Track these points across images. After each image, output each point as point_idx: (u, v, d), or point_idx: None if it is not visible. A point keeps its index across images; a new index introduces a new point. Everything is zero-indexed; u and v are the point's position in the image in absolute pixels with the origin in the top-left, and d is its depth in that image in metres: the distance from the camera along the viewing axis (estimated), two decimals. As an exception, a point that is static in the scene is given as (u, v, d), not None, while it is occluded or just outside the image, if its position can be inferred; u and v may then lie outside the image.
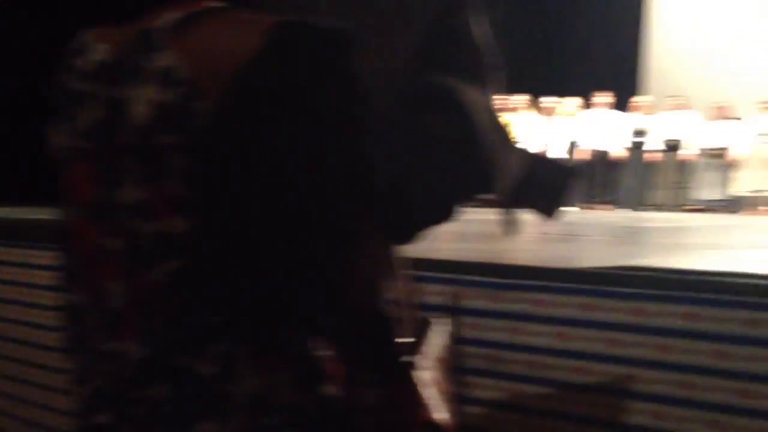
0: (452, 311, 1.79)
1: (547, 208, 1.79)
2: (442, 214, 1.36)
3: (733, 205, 9.33)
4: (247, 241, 0.97)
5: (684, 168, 9.67)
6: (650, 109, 10.01)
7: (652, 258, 2.89)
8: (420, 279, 1.86)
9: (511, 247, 2.46)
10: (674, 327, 1.60)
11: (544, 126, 10.02)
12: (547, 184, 1.75)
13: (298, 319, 1.01)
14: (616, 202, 9.94)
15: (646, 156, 9.85)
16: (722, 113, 9.45)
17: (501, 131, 1.46)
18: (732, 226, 6.72)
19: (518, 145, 1.50)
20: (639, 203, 9.80)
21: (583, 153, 10.03)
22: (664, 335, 1.61)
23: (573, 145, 10.12)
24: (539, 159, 1.91)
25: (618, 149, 9.94)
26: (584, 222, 6.36)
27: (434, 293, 1.81)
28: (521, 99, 10.10)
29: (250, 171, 0.96)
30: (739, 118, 9.44)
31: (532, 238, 3.80)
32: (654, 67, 13.08)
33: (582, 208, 9.91)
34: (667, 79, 12.44)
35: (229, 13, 1.01)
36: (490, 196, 1.48)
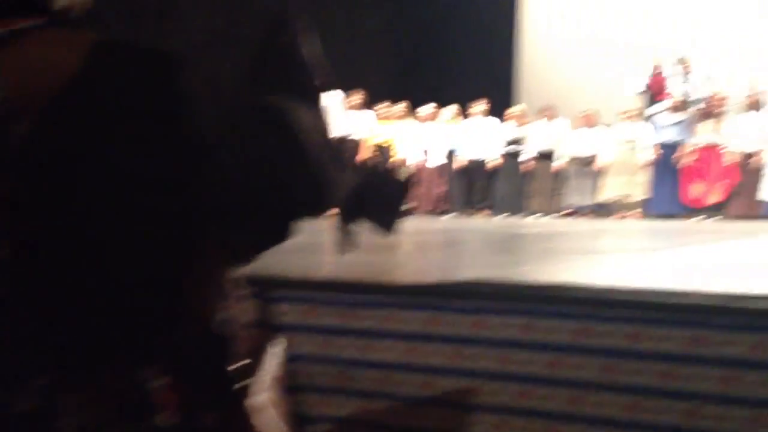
0: (286, 329, 1.77)
1: (385, 222, 1.80)
2: (278, 233, 1.34)
3: (602, 210, 9.77)
4: (69, 268, 0.92)
5: (557, 175, 10.03)
6: (523, 119, 10.34)
7: (526, 266, 2.96)
8: (261, 297, 1.83)
9: (368, 259, 2.46)
10: (513, 338, 1.64)
11: (423, 134, 10.18)
12: (383, 198, 1.76)
13: (127, 348, 0.97)
14: (493, 209, 10.22)
15: (521, 164, 10.16)
16: (589, 121, 9.87)
17: (332, 149, 1.46)
18: (601, 231, 7.01)
19: (351, 161, 1.50)
20: (515, 210, 10.10)
21: (461, 161, 10.25)
22: (504, 347, 1.65)
23: (452, 153, 10.34)
24: (374, 173, 1.91)
25: (494, 157, 10.22)
26: (463, 229, 6.50)
27: (275, 312, 1.79)
28: (399, 107, 10.25)
29: (68, 194, 0.91)
30: (607, 125, 9.90)
31: (408, 248, 3.84)
32: (526, 77, 13.59)
33: (461, 214, 10.15)
34: (539, 88, 12.94)
35: (47, 32, 0.97)
36: (327, 213, 1.46)
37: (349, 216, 1.63)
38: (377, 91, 10.05)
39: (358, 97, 9.68)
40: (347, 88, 9.57)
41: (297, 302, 1.86)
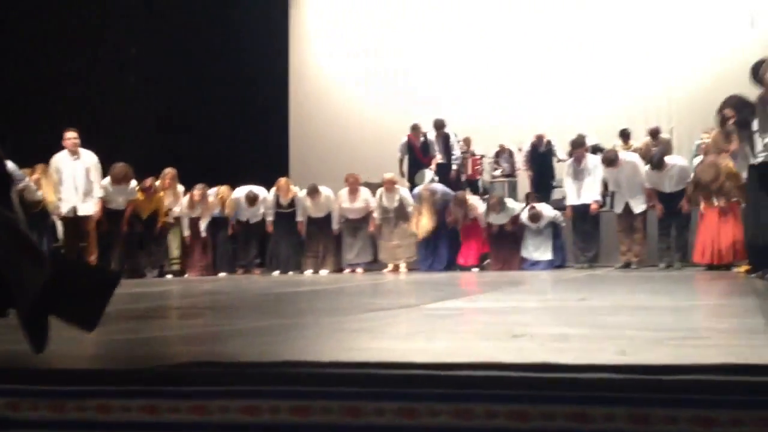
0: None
1: (82, 318, 1.65)
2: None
3: (371, 265, 10.06)
4: None
5: (331, 235, 10.18)
6: (289, 189, 10.29)
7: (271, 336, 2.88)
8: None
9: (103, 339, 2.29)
10: (235, 422, 1.56)
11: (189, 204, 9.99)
12: (82, 293, 1.63)
13: None
14: (269, 267, 10.19)
15: (296, 223, 10.21)
16: (357, 184, 10.13)
17: (19, 244, 1.34)
18: (375, 285, 7.13)
19: (44, 257, 1.38)
20: (291, 266, 10.12)
21: (232, 226, 10.18)
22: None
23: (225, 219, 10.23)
24: (73, 268, 1.78)
25: (268, 222, 10.19)
26: (237, 289, 6.37)
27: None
28: (171, 173, 10.01)
29: None
30: (373, 188, 10.23)
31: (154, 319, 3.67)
32: (296, 149, 13.96)
33: (237, 273, 10.00)
34: (308, 160, 13.27)
35: None
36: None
37: (36, 312, 1.49)
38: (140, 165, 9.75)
39: (122, 170, 9.17)
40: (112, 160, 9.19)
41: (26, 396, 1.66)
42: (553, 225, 9.47)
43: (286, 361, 1.69)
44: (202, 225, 9.94)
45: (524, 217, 9.37)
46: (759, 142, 5.91)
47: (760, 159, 5.87)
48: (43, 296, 1.33)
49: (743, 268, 7.10)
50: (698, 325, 2.81)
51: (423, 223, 9.49)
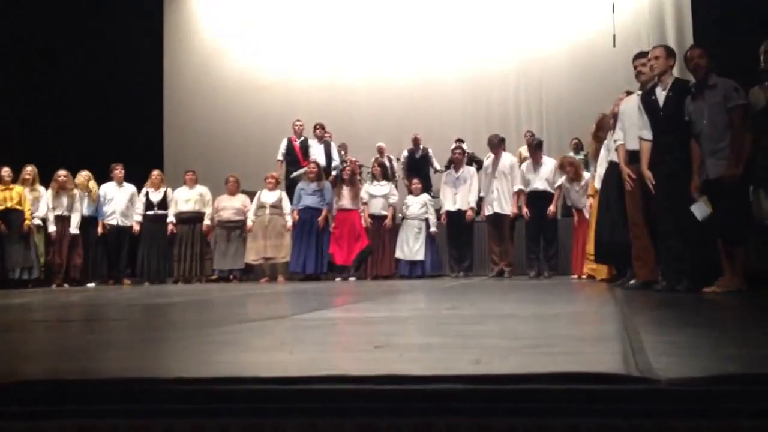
0: None
1: None
2: None
3: (247, 274, 9.92)
4: None
5: (203, 240, 9.99)
6: (164, 183, 10.17)
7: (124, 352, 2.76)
8: None
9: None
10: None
11: (55, 199, 9.53)
12: None
13: None
14: (139, 276, 9.87)
15: (166, 228, 9.95)
16: (231, 188, 10.01)
17: None
18: (248, 295, 7.02)
19: None
20: (160, 276, 9.85)
21: (101, 226, 9.78)
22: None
23: (95, 219, 9.82)
24: None
25: (135, 222, 9.90)
26: (104, 300, 6.12)
27: None
28: (32, 171, 9.56)
29: None
30: (251, 192, 10.11)
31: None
32: (171, 143, 13.65)
33: (102, 283, 9.62)
34: (185, 154, 13.03)
35: None
36: None
37: None
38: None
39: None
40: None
41: None
42: (427, 225, 9.73)
43: (125, 378, 1.61)
44: (73, 224, 9.50)
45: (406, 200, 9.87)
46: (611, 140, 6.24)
47: (614, 158, 6.16)
48: None
49: (601, 274, 7.41)
50: (555, 333, 2.90)
51: None
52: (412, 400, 1.44)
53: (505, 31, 13.03)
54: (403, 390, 1.47)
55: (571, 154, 10.22)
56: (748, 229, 5.23)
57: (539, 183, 9.03)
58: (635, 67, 5.94)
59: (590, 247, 7.67)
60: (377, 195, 9.86)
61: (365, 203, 9.84)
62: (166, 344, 2.71)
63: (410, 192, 10.12)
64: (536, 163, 9.11)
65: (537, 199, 9.00)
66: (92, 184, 9.81)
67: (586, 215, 8.37)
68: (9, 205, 9.06)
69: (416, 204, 9.86)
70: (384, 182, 9.98)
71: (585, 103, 11.14)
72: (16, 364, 2.32)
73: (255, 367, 2.01)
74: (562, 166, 8.77)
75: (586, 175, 8.43)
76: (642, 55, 6.00)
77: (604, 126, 7.04)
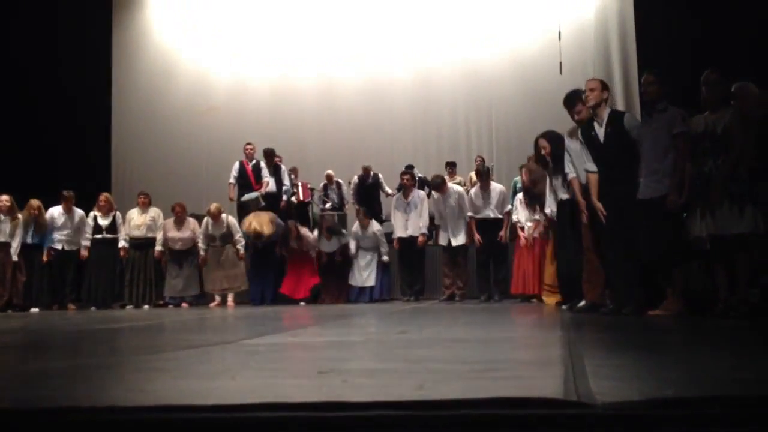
0: None
1: None
2: None
3: (198, 299, 9.78)
4: None
5: (156, 264, 9.83)
6: (111, 207, 10.00)
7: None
8: None
9: None
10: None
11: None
12: None
13: None
14: (85, 300, 9.66)
15: (116, 252, 9.79)
16: (183, 214, 9.86)
17: None
18: (198, 320, 6.90)
19: None
20: (108, 301, 9.66)
21: (46, 253, 9.56)
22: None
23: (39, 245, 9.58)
24: None
25: (83, 247, 9.71)
26: (47, 326, 5.96)
27: None
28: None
29: None
30: (201, 216, 9.99)
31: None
32: (119, 165, 13.47)
33: (49, 308, 9.38)
34: (133, 176, 12.86)
35: None
36: None
37: None
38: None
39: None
40: None
41: None
42: (378, 254, 9.71)
43: (55, 407, 1.56)
44: (13, 247, 9.26)
45: (355, 228, 9.65)
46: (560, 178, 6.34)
47: (566, 196, 6.28)
48: None
49: (553, 299, 7.51)
50: (501, 357, 2.91)
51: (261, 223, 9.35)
52: (355, 427, 1.42)
53: (454, 55, 13.19)
54: (344, 417, 1.45)
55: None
56: (679, 251, 5.36)
57: (489, 211, 9.11)
58: (571, 116, 6.13)
59: (547, 278, 7.75)
60: (327, 251, 9.77)
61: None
62: (102, 371, 2.64)
63: (360, 223, 9.95)
64: (485, 190, 9.19)
65: (487, 226, 9.08)
66: (42, 215, 9.56)
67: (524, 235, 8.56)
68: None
69: (367, 237, 9.77)
70: (333, 240, 9.78)
71: (534, 127, 11.25)
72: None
73: (193, 395, 1.97)
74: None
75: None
76: (575, 102, 6.15)
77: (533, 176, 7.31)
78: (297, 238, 9.50)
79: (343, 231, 9.98)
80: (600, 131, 5.67)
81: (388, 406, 1.43)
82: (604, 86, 5.83)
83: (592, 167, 5.75)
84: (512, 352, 3.27)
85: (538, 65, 12.53)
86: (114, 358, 3.32)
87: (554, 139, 6.52)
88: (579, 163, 5.95)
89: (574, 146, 6.03)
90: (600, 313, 5.61)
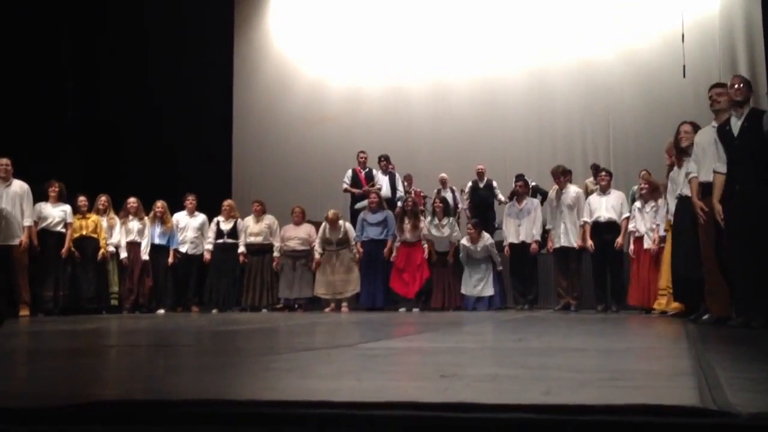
0: None
1: None
2: None
3: (312, 303, 9.99)
4: None
5: (272, 269, 10.12)
6: (235, 213, 10.37)
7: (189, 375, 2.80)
8: None
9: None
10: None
11: (125, 225, 9.82)
12: None
13: None
14: (207, 303, 10.03)
15: (236, 257, 10.13)
16: (300, 218, 10.13)
17: None
18: (314, 324, 7.05)
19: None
20: (228, 304, 9.99)
21: (172, 254, 10.00)
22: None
23: (165, 247, 10.05)
24: None
25: (206, 251, 10.11)
26: (173, 326, 6.24)
27: None
28: (106, 200, 9.87)
29: None
30: (316, 222, 10.22)
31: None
32: (242, 174, 13.92)
33: (171, 311, 9.81)
34: (252, 184, 13.27)
35: None
36: None
37: None
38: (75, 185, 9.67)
39: (55, 187, 9.15)
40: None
41: None
42: (492, 264, 9.61)
43: (201, 399, 1.64)
44: (143, 249, 9.75)
45: (464, 241, 9.53)
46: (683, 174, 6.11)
47: (687, 192, 6.03)
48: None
49: (673, 305, 7.21)
50: (626, 367, 2.83)
51: None
52: (482, 429, 1.42)
53: (569, 56, 12.90)
54: (472, 418, 1.45)
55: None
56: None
57: (605, 212, 8.85)
58: (710, 97, 5.83)
59: (663, 282, 7.47)
60: (438, 236, 9.78)
61: (429, 241, 9.79)
62: (232, 369, 2.74)
63: (470, 237, 9.86)
64: (604, 191, 8.97)
65: (603, 231, 8.83)
66: (167, 214, 10.07)
67: (646, 245, 8.22)
68: (84, 233, 9.34)
69: (479, 250, 9.65)
70: (445, 220, 9.82)
71: (654, 134, 10.91)
72: (90, 385, 2.38)
73: (322, 393, 2.02)
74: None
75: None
76: (719, 85, 5.91)
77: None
78: (413, 225, 9.55)
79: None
80: (736, 126, 5.41)
81: (521, 409, 1.42)
82: (749, 84, 5.59)
83: (722, 167, 5.45)
84: (637, 363, 3.17)
85: (659, 68, 12.10)
86: (238, 358, 3.44)
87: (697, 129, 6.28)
88: (705, 161, 5.69)
89: (703, 141, 5.78)
90: (727, 327, 5.35)
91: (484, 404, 1.50)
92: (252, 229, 10.15)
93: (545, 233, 9.68)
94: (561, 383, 2.19)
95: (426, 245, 9.74)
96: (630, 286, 8.60)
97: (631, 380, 2.38)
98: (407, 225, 9.74)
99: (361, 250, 9.76)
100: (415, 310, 9.51)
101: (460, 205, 11.45)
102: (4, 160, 8.56)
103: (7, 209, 8.44)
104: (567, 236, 9.11)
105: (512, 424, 1.42)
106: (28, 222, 8.61)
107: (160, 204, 10.00)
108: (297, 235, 10.02)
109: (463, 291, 9.65)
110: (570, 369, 2.69)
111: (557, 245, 9.21)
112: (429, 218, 10.01)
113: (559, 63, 12.90)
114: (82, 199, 9.47)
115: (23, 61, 11.03)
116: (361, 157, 10.98)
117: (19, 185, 8.63)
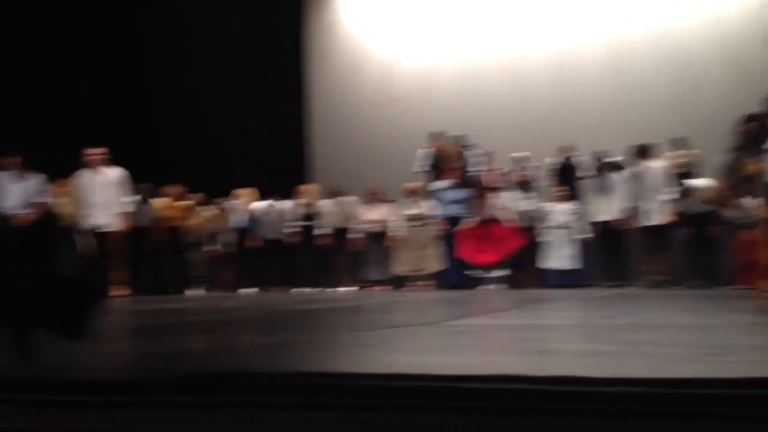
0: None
1: (70, 328, 1.66)
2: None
3: (397, 282, 9.99)
4: None
5: (351, 249, 10.18)
6: (315, 196, 10.45)
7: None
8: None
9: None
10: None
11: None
12: (69, 305, 1.63)
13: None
14: (293, 283, 10.18)
15: (317, 240, 10.22)
16: (375, 197, 10.15)
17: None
18: (395, 303, 7.04)
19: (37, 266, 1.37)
20: (314, 284, 10.11)
21: (256, 240, 10.20)
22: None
23: (246, 231, 10.26)
24: (61, 280, 1.77)
25: (290, 234, 10.25)
26: (258, 305, 6.33)
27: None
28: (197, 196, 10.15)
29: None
30: (392, 201, 10.22)
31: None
32: (317, 156, 13.99)
33: (260, 290, 10.00)
34: (329, 167, 13.31)
35: None
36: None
37: (22, 324, 1.47)
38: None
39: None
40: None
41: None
42: (577, 237, 9.48)
43: (297, 371, 1.62)
44: (228, 238, 10.03)
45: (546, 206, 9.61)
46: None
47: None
48: (29, 308, 1.33)
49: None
50: (730, 342, 2.70)
51: None
52: (590, 402, 1.36)
53: (651, 34, 12.43)
54: (577, 392, 1.39)
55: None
56: None
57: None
58: None
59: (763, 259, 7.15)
60: (519, 207, 9.68)
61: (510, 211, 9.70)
62: (321, 345, 2.74)
63: (557, 200, 9.76)
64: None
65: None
66: (249, 200, 10.32)
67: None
68: (175, 222, 9.65)
69: (563, 212, 9.55)
70: (526, 193, 9.72)
71: (736, 103, 10.37)
72: (186, 360, 2.41)
73: (411, 367, 1.98)
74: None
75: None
76: None
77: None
78: (491, 201, 9.51)
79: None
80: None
81: (632, 383, 1.35)
82: None
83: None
84: (739, 338, 3.02)
85: (741, 33, 11.53)
86: (323, 334, 3.45)
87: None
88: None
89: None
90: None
91: (594, 378, 1.43)
92: (329, 210, 10.22)
93: (632, 210, 9.41)
94: (666, 359, 2.10)
95: (505, 221, 9.62)
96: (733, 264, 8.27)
97: (739, 354, 2.26)
98: (487, 199, 9.64)
99: (443, 227, 9.69)
100: (494, 286, 9.39)
101: (540, 182, 11.23)
102: (97, 150, 8.85)
103: (100, 196, 8.72)
104: (654, 212, 8.84)
105: (626, 398, 1.35)
106: (124, 208, 8.89)
107: (243, 193, 10.22)
108: (372, 215, 10.04)
109: (546, 265, 9.49)
110: (670, 344, 2.59)
111: (643, 222, 8.95)
112: (510, 193, 9.88)
113: (640, 38, 12.43)
114: (176, 189, 9.75)
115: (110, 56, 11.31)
116: (437, 137, 10.87)
117: (114, 171, 8.90)
